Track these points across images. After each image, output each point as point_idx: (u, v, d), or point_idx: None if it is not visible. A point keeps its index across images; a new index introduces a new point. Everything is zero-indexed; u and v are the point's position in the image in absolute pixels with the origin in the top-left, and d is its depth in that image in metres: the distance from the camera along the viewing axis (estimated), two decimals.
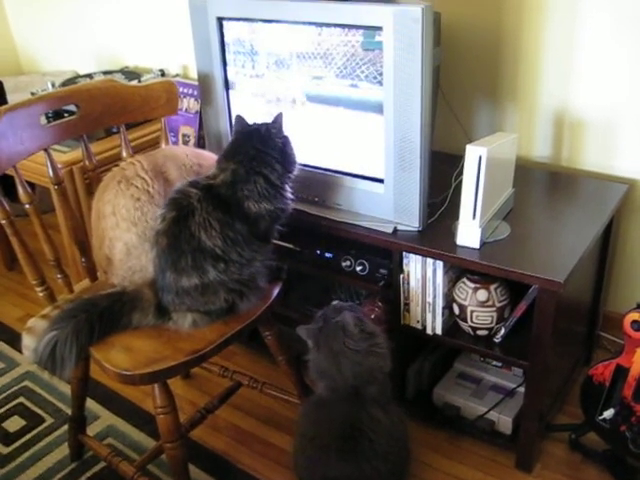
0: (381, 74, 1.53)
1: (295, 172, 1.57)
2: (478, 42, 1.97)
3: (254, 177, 1.48)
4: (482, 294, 1.63)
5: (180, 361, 1.41)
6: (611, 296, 2.04)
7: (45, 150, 1.59)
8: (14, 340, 2.31)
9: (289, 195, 1.56)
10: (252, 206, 1.48)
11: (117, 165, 1.61)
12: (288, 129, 1.57)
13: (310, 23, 1.60)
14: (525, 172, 1.92)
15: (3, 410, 2.03)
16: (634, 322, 1.51)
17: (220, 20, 1.76)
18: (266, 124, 1.54)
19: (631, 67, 1.77)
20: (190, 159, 1.66)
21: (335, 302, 1.57)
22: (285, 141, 1.55)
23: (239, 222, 1.47)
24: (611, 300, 2.05)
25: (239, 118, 1.58)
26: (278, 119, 1.54)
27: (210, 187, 1.48)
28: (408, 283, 1.70)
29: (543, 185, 1.93)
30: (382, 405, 1.47)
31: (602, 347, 2.05)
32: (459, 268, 1.68)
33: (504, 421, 1.76)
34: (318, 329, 1.51)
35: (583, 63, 1.83)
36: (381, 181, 1.64)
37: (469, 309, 1.64)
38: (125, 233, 1.53)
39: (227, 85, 1.85)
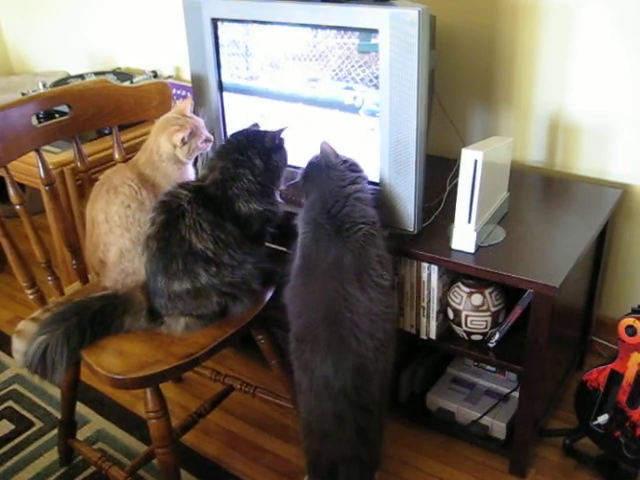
0: (377, 77, 1.52)
1: (279, 188, 1.58)
2: (473, 46, 1.97)
3: (241, 170, 1.49)
4: (477, 298, 1.62)
5: (172, 365, 1.40)
6: (604, 301, 2.04)
7: (36, 151, 1.57)
8: (3, 343, 2.28)
9: (278, 198, 1.57)
10: (242, 206, 1.48)
11: (101, 173, 1.60)
12: (283, 132, 1.57)
13: (305, 25, 1.59)
14: (519, 176, 1.92)
15: None
16: (628, 327, 1.51)
17: (214, 21, 1.75)
18: (264, 135, 1.54)
19: (625, 73, 1.77)
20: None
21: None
22: (270, 159, 1.53)
23: (230, 223, 1.46)
24: (604, 305, 2.05)
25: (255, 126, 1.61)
26: (277, 134, 1.54)
27: (200, 188, 1.48)
28: (402, 287, 1.69)
29: (537, 189, 1.93)
30: (361, 282, 1.42)
31: (595, 352, 2.05)
32: (454, 272, 1.68)
33: (498, 426, 1.76)
34: (303, 178, 1.55)
35: (578, 68, 1.84)
36: (376, 184, 1.63)
37: (464, 313, 1.64)
38: (119, 239, 1.52)
39: (221, 87, 1.84)
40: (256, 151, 1.52)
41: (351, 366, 1.37)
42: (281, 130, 1.56)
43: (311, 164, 1.56)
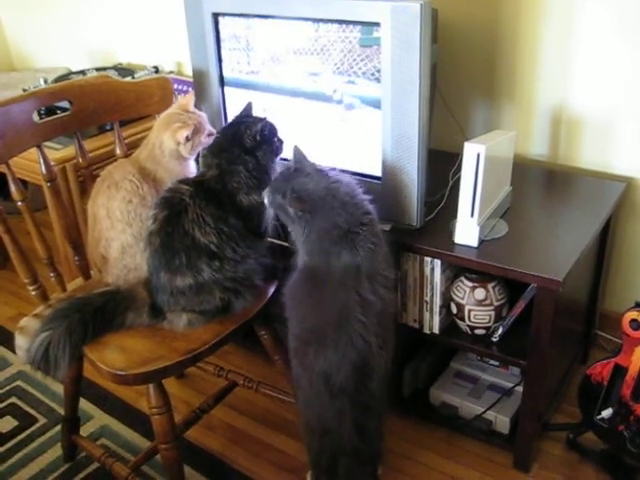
0: (379, 71, 1.52)
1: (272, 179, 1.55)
2: (475, 39, 1.96)
3: (235, 167, 1.48)
4: (480, 293, 1.62)
5: (175, 361, 1.40)
6: (607, 294, 2.04)
7: (38, 147, 1.56)
8: (6, 339, 2.28)
9: None
10: (243, 199, 1.48)
11: (103, 169, 1.59)
12: (284, 126, 1.56)
13: (307, 19, 1.59)
14: (522, 170, 1.91)
15: None
16: (633, 321, 1.50)
17: (215, 16, 1.74)
18: (242, 134, 1.51)
19: (629, 65, 1.76)
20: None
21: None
22: (256, 157, 1.51)
23: (233, 217, 1.46)
24: (607, 298, 2.04)
25: (248, 106, 1.59)
26: (255, 132, 1.51)
27: (201, 183, 1.48)
28: (405, 282, 1.69)
29: (540, 183, 1.92)
30: (373, 284, 1.39)
31: (598, 345, 2.04)
32: (457, 267, 1.67)
33: (501, 421, 1.75)
34: (303, 199, 1.38)
35: (581, 61, 1.83)
36: (378, 179, 1.63)
37: (467, 308, 1.63)
38: (121, 234, 1.51)
39: (222, 81, 1.83)
40: (241, 150, 1.50)
41: (353, 364, 1.36)
42: (262, 125, 1.51)
43: (300, 174, 1.42)
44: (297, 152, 1.45)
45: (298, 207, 1.37)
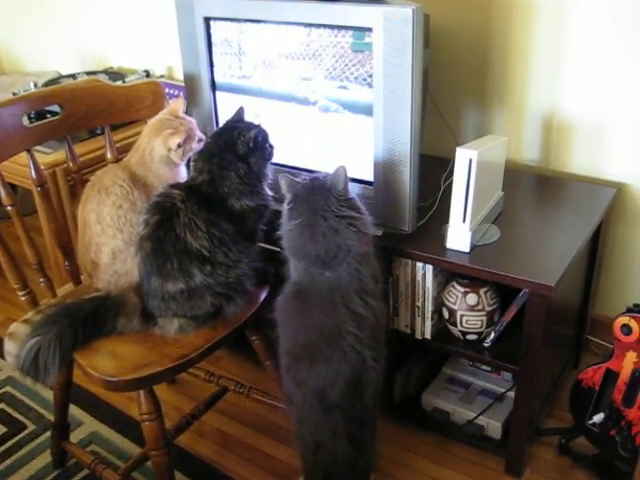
0: (371, 76, 1.52)
1: (267, 181, 1.55)
2: (467, 45, 1.96)
3: (226, 172, 1.48)
4: (472, 298, 1.62)
5: (166, 367, 1.39)
6: (599, 300, 2.04)
7: (28, 151, 1.55)
8: None
9: (268, 192, 1.55)
10: (235, 203, 1.48)
11: (93, 173, 1.59)
12: (275, 131, 1.56)
13: (299, 24, 1.58)
14: (513, 175, 1.91)
15: None
16: (624, 326, 1.51)
17: (207, 20, 1.74)
18: (236, 141, 1.50)
19: (619, 71, 1.77)
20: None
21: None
22: (249, 164, 1.50)
23: (224, 221, 1.46)
24: (599, 304, 2.05)
25: (240, 110, 1.58)
26: (249, 140, 1.49)
27: (192, 187, 1.47)
28: (397, 287, 1.69)
29: (532, 188, 1.93)
30: (364, 299, 1.38)
31: (590, 351, 2.04)
32: (449, 272, 1.67)
33: (493, 426, 1.75)
34: (301, 185, 1.41)
35: (572, 67, 1.83)
36: (370, 184, 1.63)
37: (459, 313, 1.63)
38: (111, 239, 1.50)
39: (214, 86, 1.82)
40: (234, 156, 1.50)
41: (347, 379, 1.35)
42: (256, 132, 1.50)
43: (312, 187, 1.41)
44: (340, 172, 1.40)
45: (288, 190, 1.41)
